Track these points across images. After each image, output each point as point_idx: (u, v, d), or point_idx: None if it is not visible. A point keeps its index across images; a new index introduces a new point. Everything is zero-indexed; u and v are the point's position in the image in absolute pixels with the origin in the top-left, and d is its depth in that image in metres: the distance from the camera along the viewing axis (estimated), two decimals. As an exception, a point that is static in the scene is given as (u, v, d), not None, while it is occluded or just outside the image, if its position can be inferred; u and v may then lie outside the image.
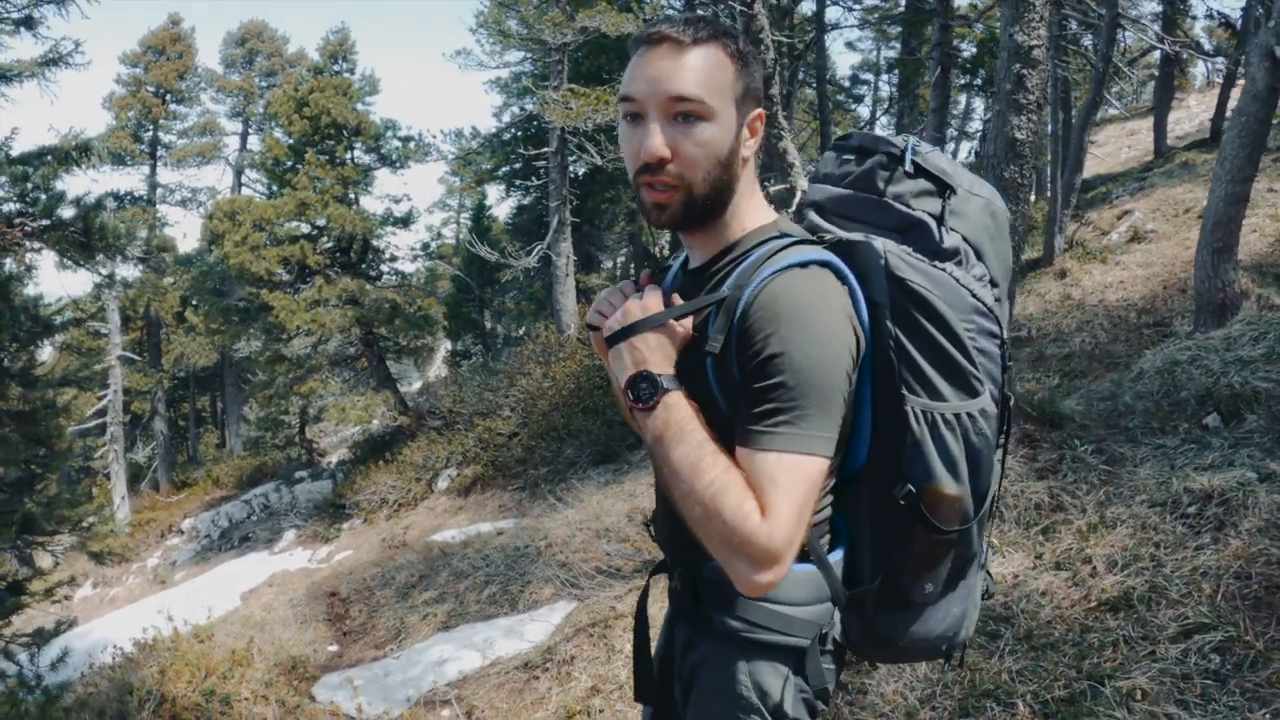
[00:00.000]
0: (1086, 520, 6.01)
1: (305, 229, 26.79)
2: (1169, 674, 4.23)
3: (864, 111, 39.38)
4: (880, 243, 2.02)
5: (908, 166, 2.12)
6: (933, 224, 2.08)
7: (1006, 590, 5.49)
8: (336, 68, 29.31)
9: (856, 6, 24.81)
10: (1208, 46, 24.75)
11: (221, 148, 40.28)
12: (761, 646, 2.09)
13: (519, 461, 17.37)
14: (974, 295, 2.03)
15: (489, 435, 18.86)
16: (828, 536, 2.16)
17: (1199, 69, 37.01)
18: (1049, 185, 18.94)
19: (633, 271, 36.76)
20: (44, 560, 14.17)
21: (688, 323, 2.03)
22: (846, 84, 38.14)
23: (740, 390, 1.92)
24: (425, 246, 30.91)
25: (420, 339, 28.65)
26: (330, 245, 26.64)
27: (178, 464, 37.80)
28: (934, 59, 16.91)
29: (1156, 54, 23.26)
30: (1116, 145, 32.86)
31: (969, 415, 2.00)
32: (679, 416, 1.92)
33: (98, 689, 8.64)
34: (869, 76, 37.94)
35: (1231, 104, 20.54)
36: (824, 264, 1.97)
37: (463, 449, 19.43)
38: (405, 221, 28.89)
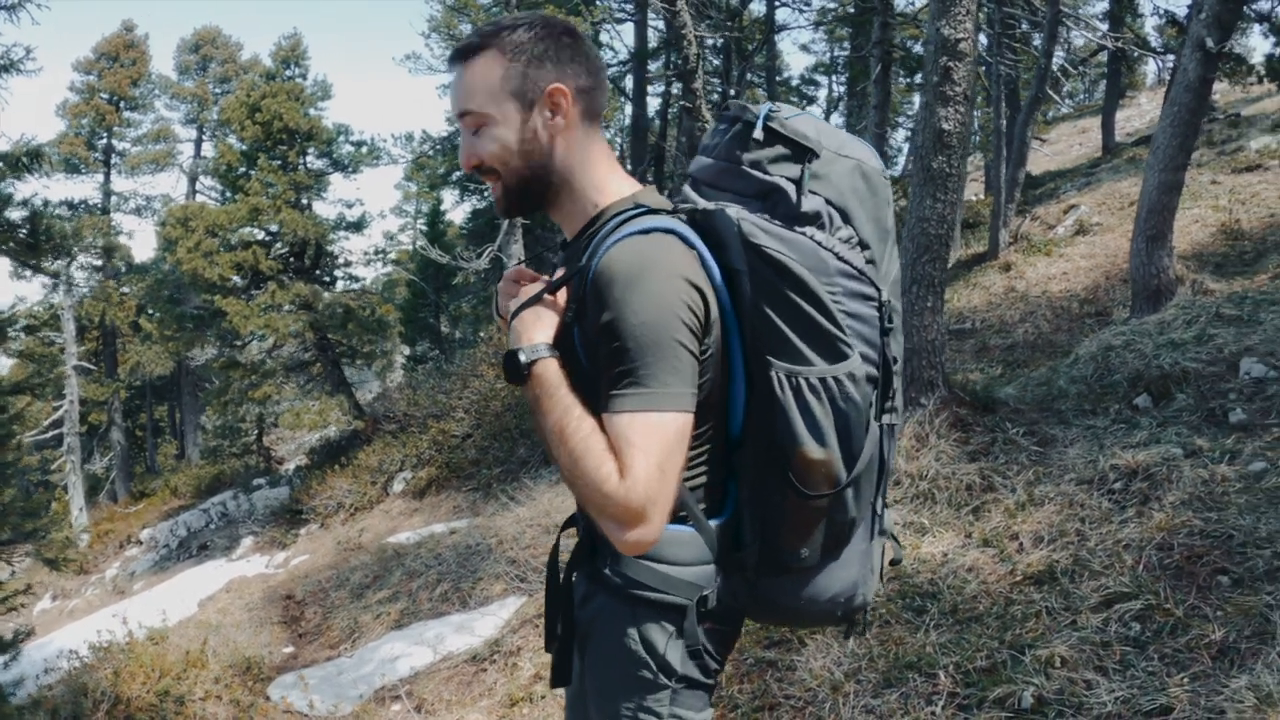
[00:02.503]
0: (1015, 499, 6.11)
1: (258, 234, 26.69)
2: (1089, 642, 4.32)
3: (816, 110, 39.56)
4: (735, 210, 2.03)
5: (757, 134, 2.10)
6: (791, 189, 2.05)
7: (935, 568, 5.58)
8: (289, 73, 29.20)
9: (807, 8, 24.96)
10: (1158, 44, 24.99)
11: (176, 154, 40.03)
12: (647, 604, 2.12)
13: (473, 462, 17.36)
14: (839, 258, 2.03)
15: (443, 437, 18.81)
16: (704, 503, 2.16)
17: (1150, 67, 37.41)
18: (995, 180, 19.08)
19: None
20: (1, 571, 14.09)
21: (562, 295, 2.08)
22: (799, 84, 38.34)
23: (596, 356, 1.96)
24: (379, 251, 30.84)
25: (373, 343, 28.52)
26: (284, 250, 26.54)
27: (136, 474, 37.44)
28: (875, 56, 17.05)
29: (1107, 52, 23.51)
30: (1068, 143, 33.20)
31: (835, 379, 1.99)
32: (548, 385, 1.97)
33: (53, 691, 8.63)
34: (822, 78, 38.15)
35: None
36: (667, 230, 2.00)
37: (417, 452, 19.37)
38: (358, 226, 28.83)
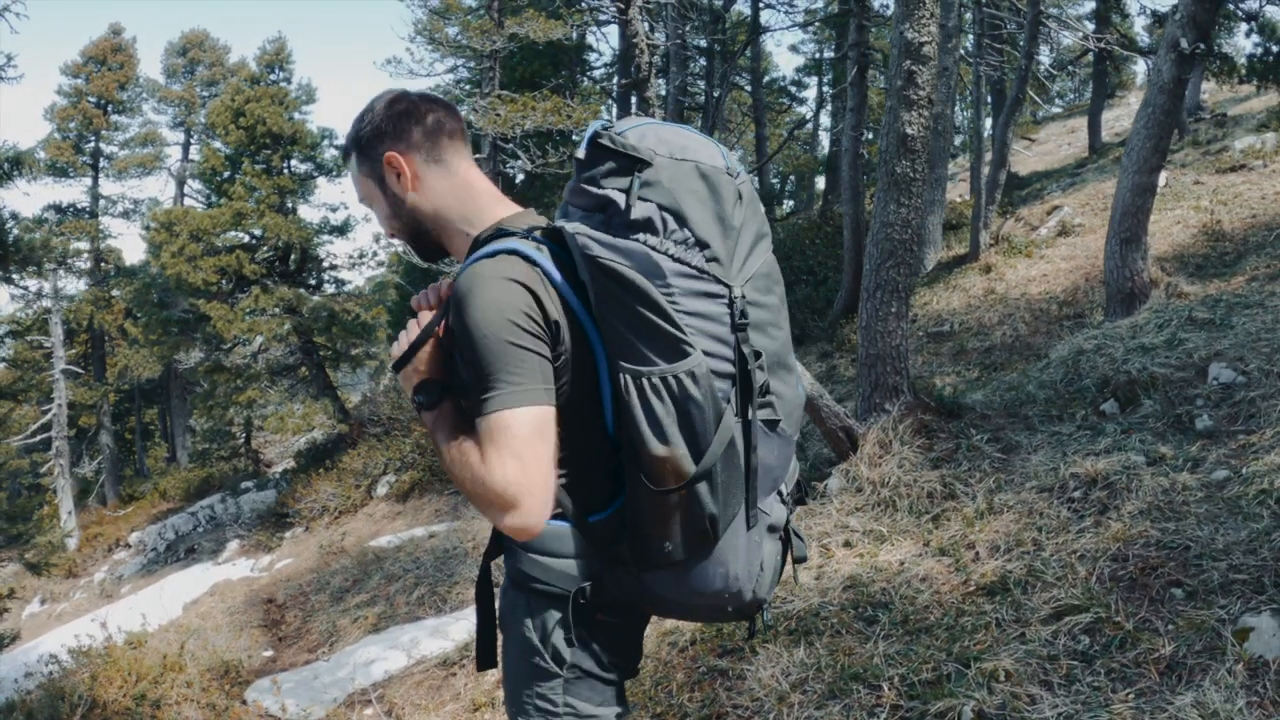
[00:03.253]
0: (975, 507, 6.09)
1: (243, 238, 26.65)
2: (1035, 655, 4.27)
3: (806, 111, 39.60)
4: (573, 225, 2.14)
5: (579, 153, 2.24)
6: (621, 199, 2.13)
7: (890, 577, 5.55)
8: (274, 77, 29.20)
9: (792, 9, 24.94)
10: (1146, 44, 24.98)
11: (163, 158, 39.77)
12: (538, 594, 2.27)
13: (455, 466, 17.41)
14: (675, 259, 2.10)
15: (426, 441, 18.84)
16: (581, 500, 2.26)
17: (1139, 67, 37.39)
18: (978, 182, 19.08)
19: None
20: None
21: (440, 329, 2.26)
22: (786, 85, 38.26)
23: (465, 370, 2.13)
24: (363, 255, 30.74)
25: (358, 346, 28.50)
26: (268, 254, 26.51)
27: (125, 478, 37.32)
28: (851, 58, 17.03)
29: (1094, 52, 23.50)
30: (1057, 143, 33.22)
31: (675, 378, 2.06)
32: (436, 418, 2.23)
33: (31, 695, 8.63)
34: (810, 78, 38.10)
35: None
36: (510, 251, 2.15)
37: (400, 455, 19.46)
38: (342, 230, 28.84)
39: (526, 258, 2.14)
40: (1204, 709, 3.55)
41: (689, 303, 2.11)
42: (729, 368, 2.15)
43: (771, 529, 2.37)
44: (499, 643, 2.48)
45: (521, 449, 2.00)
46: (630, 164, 2.16)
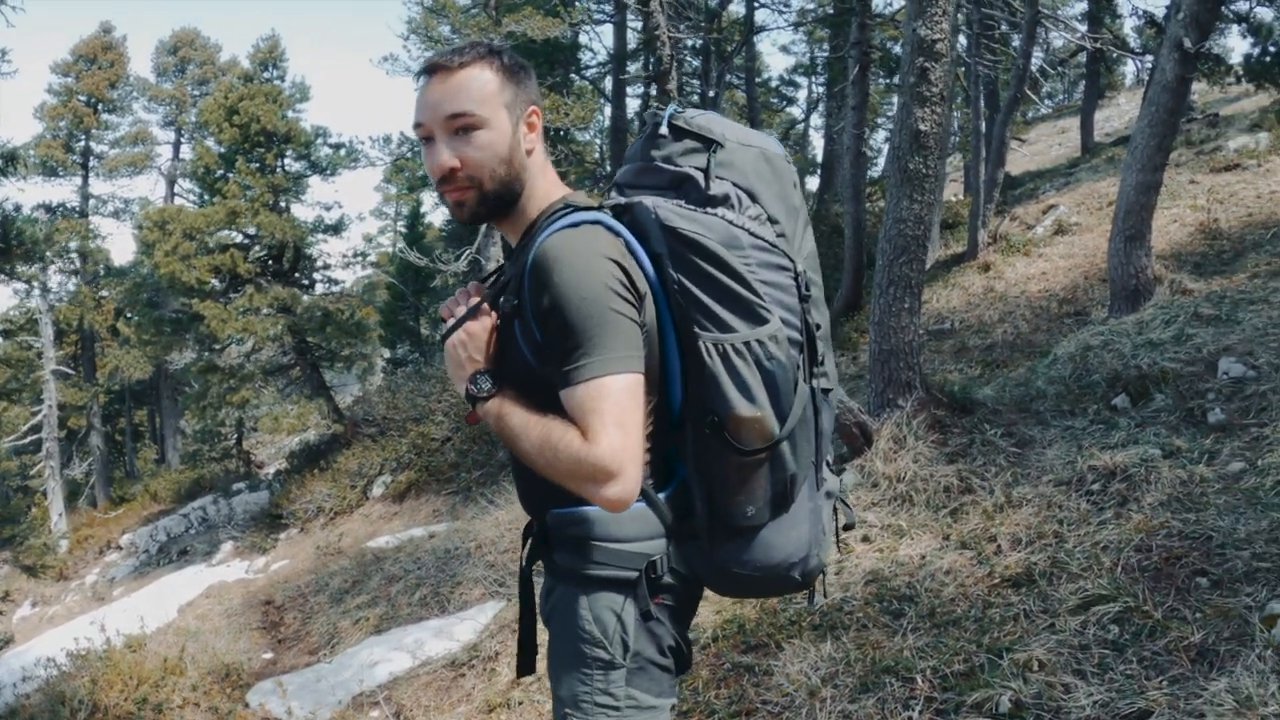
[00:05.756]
0: (994, 501, 6.10)
1: (236, 238, 26.55)
2: (1067, 645, 4.29)
3: (797, 112, 39.64)
4: (650, 200, 2.24)
5: (662, 130, 2.33)
6: (699, 176, 2.25)
7: (912, 570, 5.55)
8: (267, 75, 29.05)
9: (787, 9, 24.97)
10: (1137, 45, 25.07)
11: (154, 157, 39.57)
12: (599, 581, 2.26)
13: (452, 466, 17.41)
14: (751, 233, 2.21)
15: (422, 441, 18.85)
16: (651, 479, 2.28)
17: (1129, 68, 37.53)
18: (974, 181, 19.12)
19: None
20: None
21: (494, 314, 2.28)
22: (778, 85, 38.29)
23: (543, 345, 2.13)
24: (357, 254, 30.68)
25: (352, 346, 28.42)
26: (262, 254, 26.40)
27: (115, 479, 37.13)
28: (853, 58, 17.04)
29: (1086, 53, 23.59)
30: (1048, 143, 33.32)
31: (759, 342, 2.15)
32: (499, 418, 2.19)
33: (30, 700, 8.57)
34: (802, 79, 38.12)
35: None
36: (594, 221, 2.19)
37: (397, 455, 19.40)
38: (336, 229, 28.76)
39: (610, 228, 2.20)
40: (1237, 694, 3.57)
41: (765, 274, 2.20)
42: (799, 336, 2.27)
43: (829, 494, 2.48)
44: (541, 646, 2.49)
45: (623, 416, 2.02)
46: (706, 144, 2.28)
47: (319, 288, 28.94)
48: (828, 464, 2.48)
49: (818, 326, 2.34)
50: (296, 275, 27.54)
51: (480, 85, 2.22)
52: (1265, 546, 4.56)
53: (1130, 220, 10.07)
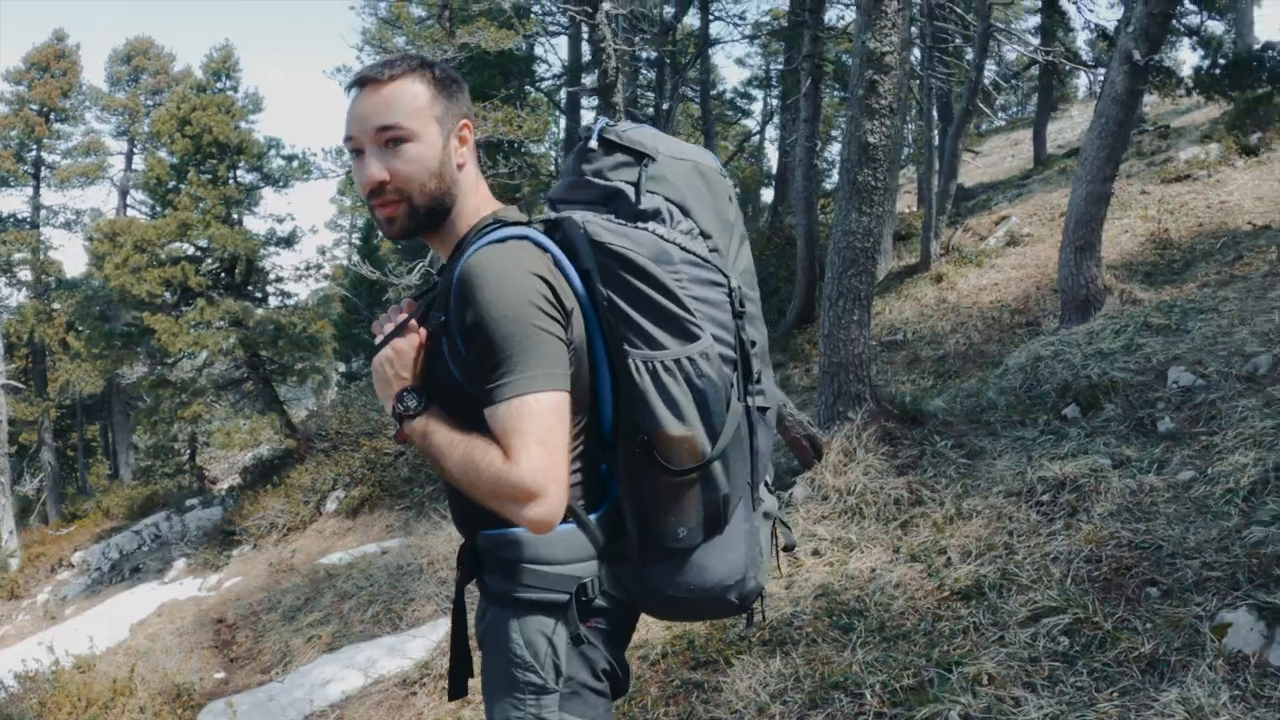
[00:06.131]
0: (944, 513, 6.11)
1: (188, 250, 26.29)
2: (1017, 658, 4.28)
3: (752, 124, 39.76)
4: (580, 215, 2.22)
5: (592, 144, 2.32)
6: (630, 190, 2.24)
7: (862, 584, 5.54)
8: (220, 85, 28.85)
9: (741, 22, 25.07)
10: (1089, 58, 25.33)
11: (106, 168, 39.00)
12: (529, 604, 2.22)
13: (405, 481, 17.33)
14: (682, 248, 2.19)
15: (376, 455, 18.74)
16: (583, 500, 2.26)
17: (1082, 80, 37.97)
18: (927, 193, 19.24)
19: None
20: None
21: (423, 330, 2.25)
22: (733, 99, 38.36)
23: (468, 362, 2.10)
24: (310, 267, 30.41)
25: (305, 360, 28.22)
26: (214, 266, 26.16)
27: (67, 495, 36.61)
28: (805, 70, 17.11)
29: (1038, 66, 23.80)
30: (1001, 154, 33.58)
31: (689, 359, 2.13)
32: (425, 436, 2.16)
33: (-25, 724, 8.44)
34: (757, 91, 38.24)
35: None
36: (521, 237, 2.17)
37: (350, 470, 19.27)
38: (288, 241, 28.56)
39: (538, 244, 2.18)
40: (1188, 704, 3.58)
41: (696, 289, 2.18)
42: (732, 353, 2.25)
43: (766, 515, 2.47)
44: (475, 669, 2.47)
45: (545, 435, 1.99)
46: (638, 158, 2.28)
47: (272, 301, 28.72)
48: (766, 484, 2.49)
49: (753, 343, 2.32)
50: (249, 288, 27.31)
51: (411, 98, 2.20)
52: (1215, 555, 4.57)
53: (1080, 231, 10.13)
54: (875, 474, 6.85)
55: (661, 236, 2.18)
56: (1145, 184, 17.94)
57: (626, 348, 2.13)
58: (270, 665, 10.18)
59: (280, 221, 31.80)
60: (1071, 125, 34.90)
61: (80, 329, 31.81)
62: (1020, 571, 5.04)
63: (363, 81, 2.23)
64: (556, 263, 2.17)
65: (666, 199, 2.24)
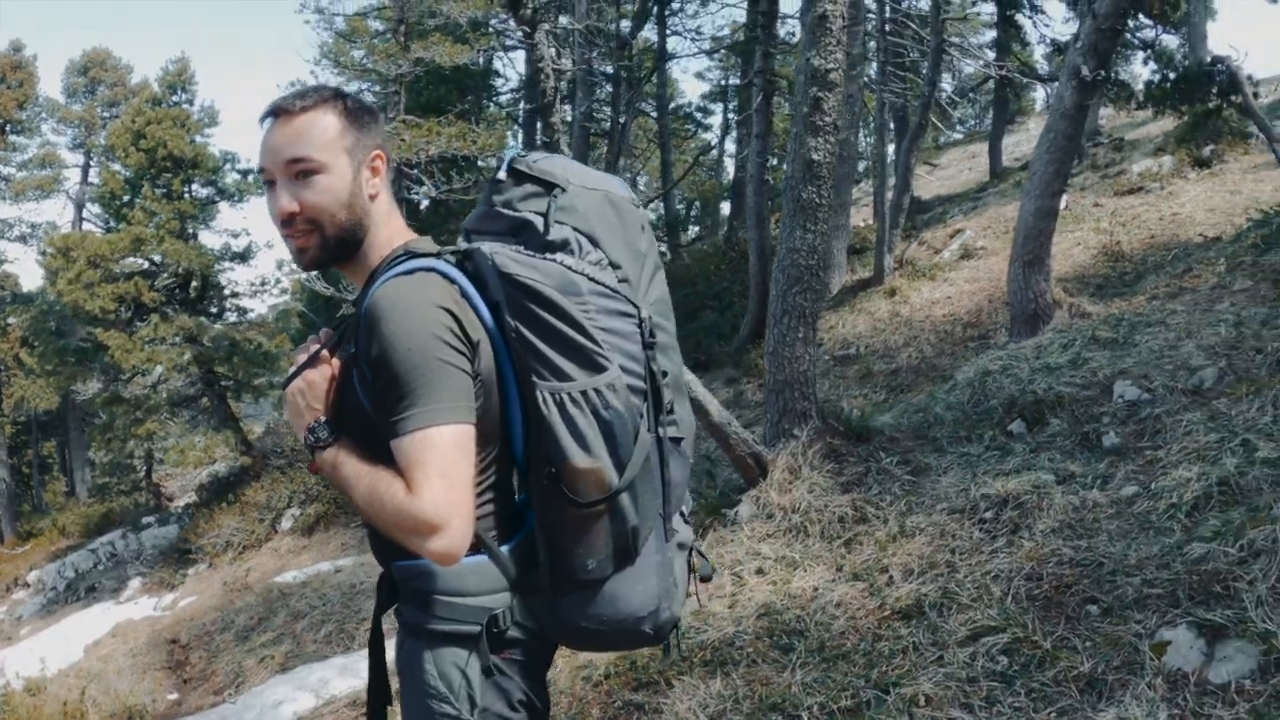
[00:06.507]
0: (887, 531, 6.11)
1: (142, 265, 26.10)
2: (955, 678, 4.27)
3: (712, 137, 39.88)
4: (489, 246, 2.22)
5: (500, 175, 2.33)
6: (539, 221, 2.24)
7: (804, 604, 5.52)
8: (176, 99, 28.73)
9: (699, 36, 25.15)
10: (1046, 71, 25.54)
11: (62, 180, 38.75)
12: (442, 636, 2.22)
13: (360, 498, 17.32)
14: (591, 279, 2.18)
15: (325, 480, 18.68)
16: (495, 531, 2.28)
17: (1039, 93, 38.21)
18: (881, 207, 19.34)
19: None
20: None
21: (335, 362, 2.23)
22: (692, 111, 38.46)
23: (375, 393, 2.09)
24: (265, 282, 30.24)
25: (260, 376, 28.05)
26: (169, 281, 25.99)
27: (23, 513, 36.20)
28: (757, 86, 17.17)
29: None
30: (959, 167, 33.74)
31: (596, 391, 2.13)
32: (334, 467, 2.15)
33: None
34: (716, 105, 38.36)
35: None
36: (428, 269, 2.17)
37: (305, 488, 19.23)
38: (244, 257, 28.46)
39: (445, 275, 2.18)
40: (1126, 724, 3.55)
41: (604, 320, 2.18)
42: (642, 384, 2.25)
43: (680, 546, 2.44)
44: (395, 699, 2.47)
45: (448, 468, 1.99)
46: (547, 188, 2.28)
47: (228, 316, 28.56)
48: (681, 514, 2.47)
49: (664, 374, 2.32)
50: (204, 304, 27.17)
51: (321, 130, 2.20)
52: (1156, 572, 4.57)
53: (1029, 245, 10.19)
54: (820, 491, 6.84)
55: (569, 267, 2.18)
56: (1099, 196, 18.08)
57: (534, 379, 2.13)
58: (223, 686, 10.14)
59: (236, 236, 31.86)
60: (1029, 137, 35.10)
61: (35, 345, 31.50)
62: (961, 590, 5.04)
63: (275, 112, 2.22)
64: (464, 294, 2.17)
65: (575, 229, 2.24)
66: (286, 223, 2.20)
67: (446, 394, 2.02)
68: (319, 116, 2.20)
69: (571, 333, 2.12)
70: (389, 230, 2.32)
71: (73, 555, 25.03)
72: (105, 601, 20.43)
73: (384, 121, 2.40)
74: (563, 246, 2.21)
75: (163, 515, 26.69)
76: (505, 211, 2.30)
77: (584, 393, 2.12)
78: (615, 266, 2.26)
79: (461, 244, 2.33)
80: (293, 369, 2.27)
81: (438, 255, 2.27)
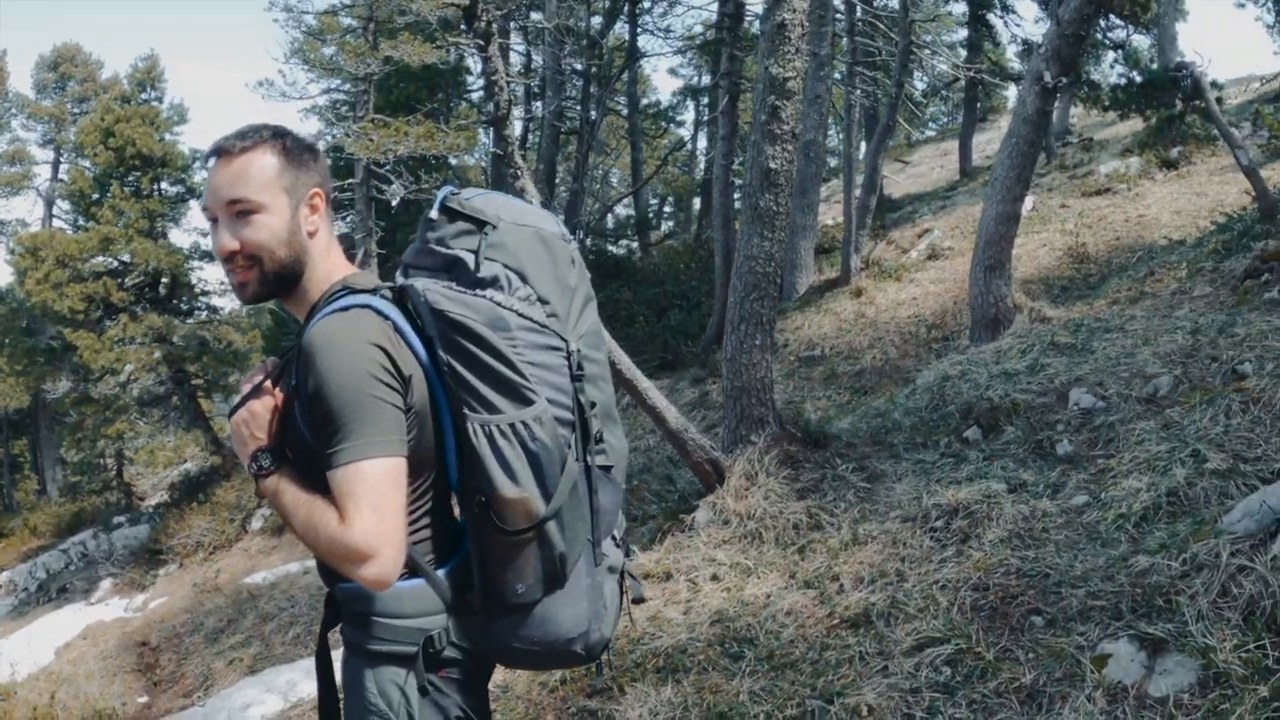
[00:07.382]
0: (840, 538, 6.14)
1: (111, 264, 25.93)
2: (898, 689, 4.30)
3: (685, 133, 39.86)
4: (421, 283, 2.31)
5: (432, 214, 2.41)
6: (470, 258, 2.33)
7: (756, 611, 5.55)
8: (145, 96, 28.53)
9: (670, 35, 25.12)
10: (1017, 71, 25.63)
11: (32, 177, 38.38)
12: (382, 656, 2.30)
13: (330, 496, 17.31)
14: (519, 314, 2.28)
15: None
16: (432, 555, 2.37)
17: (1010, 92, 38.29)
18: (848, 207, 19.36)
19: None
20: None
21: (278, 393, 2.30)
22: (664, 109, 38.32)
23: (312, 425, 2.18)
24: (236, 281, 30.04)
25: (233, 374, 27.88)
26: (138, 280, 25.82)
27: (-6, 512, 36.05)
28: (723, 88, 17.20)
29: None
30: (930, 165, 33.83)
31: (523, 423, 2.22)
32: (276, 495, 2.23)
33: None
34: (689, 102, 38.29)
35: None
36: (362, 306, 2.25)
37: (274, 489, 19.17)
38: (214, 255, 28.23)
39: (379, 312, 2.26)
40: (1064, 737, 3.58)
41: (532, 354, 2.28)
42: (569, 415, 2.35)
43: (611, 569, 2.54)
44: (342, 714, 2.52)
45: (378, 499, 2.08)
46: (478, 226, 2.37)
47: (198, 315, 28.37)
48: (613, 538, 2.56)
49: (593, 404, 2.40)
50: (174, 302, 26.99)
51: (259, 170, 2.28)
52: (1100, 584, 4.60)
53: (990, 250, 10.24)
54: (776, 498, 6.88)
55: (498, 303, 2.26)
56: (1066, 197, 18.15)
57: (465, 411, 2.22)
58: (193, 689, 10.13)
59: (205, 235, 31.29)
60: (1000, 136, 34.74)
61: (4, 343, 31.28)
62: (909, 600, 5.07)
63: (217, 153, 2.30)
64: (398, 329, 2.25)
65: (505, 266, 2.33)
66: (228, 259, 2.28)
67: (378, 428, 2.11)
68: (257, 157, 2.28)
69: (500, 367, 2.21)
70: (328, 265, 2.40)
71: (44, 556, 24.89)
72: (77, 602, 20.34)
73: (325, 159, 2.48)
74: (493, 283, 2.30)
75: (134, 515, 26.55)
76: (438, 249, 2.38)
77: (512, 425, 2.21)
78: (544, 302, 2.34)
79: (399, 279, 2.40)
80: (237, 399, 2.33)
81: (374, 291, 2.34)
